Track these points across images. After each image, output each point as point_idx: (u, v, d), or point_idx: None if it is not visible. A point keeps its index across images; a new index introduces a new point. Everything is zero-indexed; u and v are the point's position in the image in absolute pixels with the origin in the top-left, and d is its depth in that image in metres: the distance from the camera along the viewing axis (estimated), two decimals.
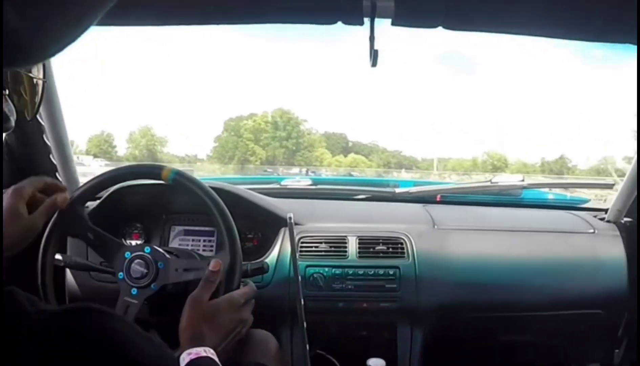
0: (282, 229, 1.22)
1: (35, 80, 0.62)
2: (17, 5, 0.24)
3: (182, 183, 0.91)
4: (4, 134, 1.11)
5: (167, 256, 0.91)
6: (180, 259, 0.92)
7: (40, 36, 0.27)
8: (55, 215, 0.92)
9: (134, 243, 1.24)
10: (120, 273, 0.90)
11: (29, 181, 0.83)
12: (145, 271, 0.89)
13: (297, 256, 1.12)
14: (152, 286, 0.88)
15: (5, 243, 0.77)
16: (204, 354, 0.68)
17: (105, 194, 1.17)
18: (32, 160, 1.18)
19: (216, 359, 0.68)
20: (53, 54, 0.29)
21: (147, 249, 0.91)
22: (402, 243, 1.21)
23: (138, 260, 0.89)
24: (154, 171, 0.93)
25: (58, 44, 0.28)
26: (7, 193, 0.81)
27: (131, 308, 0.89)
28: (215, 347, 0.72)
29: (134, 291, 0.89)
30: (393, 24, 0.71)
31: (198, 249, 1.23)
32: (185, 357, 0.66)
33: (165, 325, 0.97)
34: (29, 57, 0.29)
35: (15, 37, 0.25)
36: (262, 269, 1.02)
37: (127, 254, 0.90)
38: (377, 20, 0.70)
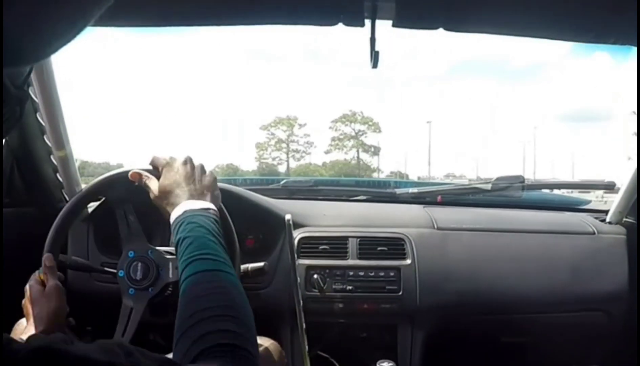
0: (283, 230, 1.22)
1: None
2: (5, 3, 0.23)
3: None
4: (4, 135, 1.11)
5: (168, 256, 0.91)
6: None
7: (31, 36, 0.25)
8: (60, 215, 0.92)
9: None
10: (121, 271, 0.90)
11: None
12: (146, 273, 0.89)
13: (297, 257, 1.12)
14: (149, 289, 0.89)
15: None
16: None
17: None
18: (32, 160, 1.18)
19: None
20: (46, 55, 0.28)
21: (151, 252, 0.91)
22: (402, 244, 1.21)
23: (140, 262, 0.90)
24: None
25: (50, 44, 0.27)
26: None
27: (134, 315, 0.89)
28: None
29: (132, 291, 0.89)
30: (394, 25, 0.71)
31: None
32: None
33: (166, 326, 0.97)
34: (19, 58, 0.27)
35: (6, 36, 0.24)
36: (262, 270, 1.02)
37: (131, 254, 0.91)
38: (377, 22, 0.70)
